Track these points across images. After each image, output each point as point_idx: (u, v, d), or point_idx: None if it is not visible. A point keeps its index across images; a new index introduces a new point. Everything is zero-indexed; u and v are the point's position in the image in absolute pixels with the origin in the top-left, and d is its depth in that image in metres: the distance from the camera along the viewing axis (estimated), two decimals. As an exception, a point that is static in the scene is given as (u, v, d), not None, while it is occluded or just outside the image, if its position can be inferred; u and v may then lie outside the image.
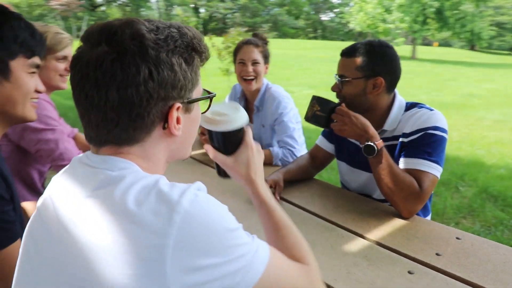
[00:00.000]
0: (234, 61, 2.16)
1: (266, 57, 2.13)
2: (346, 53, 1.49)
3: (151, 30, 0.67)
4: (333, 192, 1.61)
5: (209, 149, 0.92)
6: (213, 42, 8.26)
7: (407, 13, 26.00)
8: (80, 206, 0.66)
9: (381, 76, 1.44)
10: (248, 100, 2.26)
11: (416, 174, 1.36)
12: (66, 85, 1.78)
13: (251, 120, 2.28)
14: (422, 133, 1.40)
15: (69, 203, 0.68)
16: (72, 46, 1.78)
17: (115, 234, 0.61)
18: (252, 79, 2.12)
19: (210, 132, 0.90)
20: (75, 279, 0.63)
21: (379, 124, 1.52)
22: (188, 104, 0.74)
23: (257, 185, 0.89)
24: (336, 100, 1.51)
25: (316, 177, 1.81)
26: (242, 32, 8.23)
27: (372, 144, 1.36)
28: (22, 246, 0.75)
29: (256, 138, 2.28)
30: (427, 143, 1.38)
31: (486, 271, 1.07)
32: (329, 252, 1.17)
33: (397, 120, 1.49)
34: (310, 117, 1.48)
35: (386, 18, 27.31)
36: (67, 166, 0.77)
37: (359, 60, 1.46)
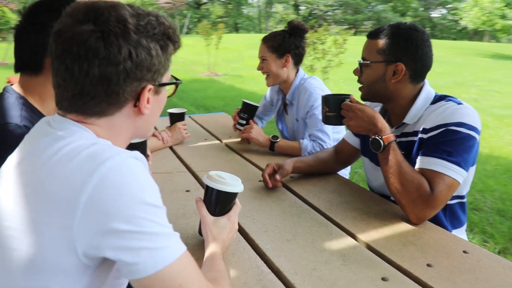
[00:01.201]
0: None
1: (278, 50, 2.04)
2: (371, 34, 1.37)
3: (133, 15, 0.72)
4: (348, 190, 1.50)
5: (199, 202, 1.03)
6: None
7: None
8: (21, 160, 0.72)
9: (403, 63, 1.30)
10: (285, 94, 2.21)
11: (430, 175, 1.20)
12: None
13: (287, 113, 2.23)
14: (443, 129, 1.23)
15: (17, 157, 0.74)
16: None
17: (37, 185, 0.65)
18: (266, 76, 2.08)
19: (207, 188, 1.03)
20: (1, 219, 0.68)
21: (400, 116, 1.37)
22: (159, 87, 0.79)
23: (217, 248, 0.96)
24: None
25: (352, 174, 1.70)
26: (328, 28, 8.03)
27: (378, 138, 1.23)
28: None
29: (290, 132, 2.22)
30: (448, 141, 1.21)
31: (478, 292, 0.91)
32: (306, 246, 1.09)
33: (420, 113, 1.33)
34: (324, 120, 1.40)
35: (507, 14, 24.28)
36: (36, 124, 0.83)
37: (381, 42, 1.33)
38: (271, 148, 1.93)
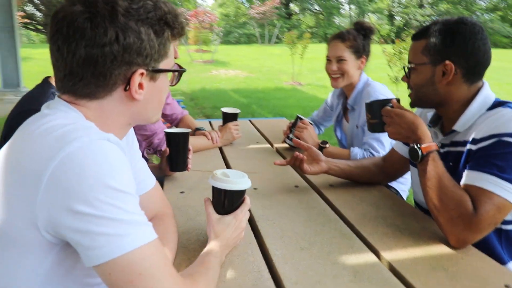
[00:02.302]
0: None
1: (358, 51, 1.93)
2: (414, 35, 1.25)
3: None
4: (390, 204, 1.36)
5: (207, 201, 1.02)
6: (384, 48, 7.84)
7: None
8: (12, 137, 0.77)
9: (451, 61, 1.15)
10: (347, 98, 2.10)
11: (475, 192, 1.04)
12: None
13: (347, 119, 2.12)
14: (495, 139, 1.05)
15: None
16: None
17: (13, 158, 0.69)
18: (338, 77, 1.96)
19: (213, 188, 1.01)
20: None
21: (453, 122, 1.22)
22: (154, 73, 0.78)
23: (216, 246, 0.93)
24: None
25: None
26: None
27: (416, 147, 1.10)
28: None
29: (349, 141, 2.10)
30: (499, 154, 1.04)
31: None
32: (319, 257, 1.01)
33: (473, 119, 1.16)
34: (369, 128, 1.30)
35: None
36: None
37: (425, 42, 1.20)
38: (319, 153, 1.84)
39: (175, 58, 1.18)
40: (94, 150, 0.65)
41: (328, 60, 1.98)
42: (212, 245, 0.94)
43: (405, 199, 2.03)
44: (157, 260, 0.67)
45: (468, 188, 1.05)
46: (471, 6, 36.73)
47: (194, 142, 2.00)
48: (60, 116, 0.72)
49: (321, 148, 1.84)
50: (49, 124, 0.69)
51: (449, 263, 0.99)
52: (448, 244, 1.07)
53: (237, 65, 14.99)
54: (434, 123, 1.32)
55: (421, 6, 34.55)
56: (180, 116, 2.32)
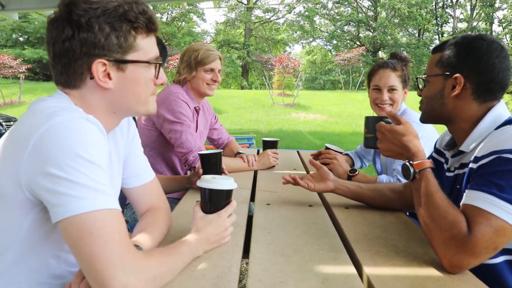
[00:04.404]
0: (368, 86, 2.03)
1: (405, 81, 1.91)
2: (434, 48, 1.23)
3: (88, 1, 0.86)
4: (400, 228, 1.29)
5: (196, 203, 1.09)
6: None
7: None
8: None
9: (462, 74, 1.11)
10: None
11: (471, 212, 0.96)
12: (213, 92, 2.19)
13: None
14: (494, 156, 0.98)
15: None
16: (220, 61, 2.17)
17: (14, 130, 0.85)
18: (387, 107, 1.94)
19: (200, 189, 1.07)
20: None
21: (461, 143, 1.15)
22: (119, 63, 0.90)
23: (192, 238, 0.99)
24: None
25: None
26: None
27: (407, 163, 1.07)
28: None
29: (385, 169, 2.03)
30: (499, 172, 0.96)
31: None
32: (296, 263, 1.00)
33: (480, 139, 1.09)
34: (364, 143, 1.30)
35: None
36: None
37: (441, 54, 1.18)
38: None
39: (166, 62, 1.32)
40: (71, 124, 0.78)
41: (377, 89, 1.95)
42: (188, 236, 1.00)
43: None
44: (110, 226, 0.76)
45: (465, 208, 0.98)
46: None
47: (230, 163, 2.11)
48: (54, 101, 0.88)
49: (350, 177, 1.82)
50: (45, 105, 0.85)
51: (433, 285, 0.92)
52: (442, 268, 0.99)
53: (318, 109, 15.12)
54: (449, 146, 1.26)
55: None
56: (226, 141, 2.47)
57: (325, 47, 32.89)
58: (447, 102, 1.15)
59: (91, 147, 0.78)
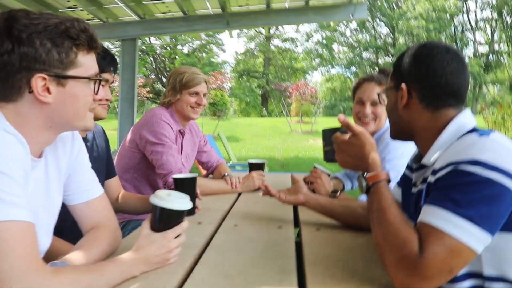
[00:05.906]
0: (353, 99, 1.97)
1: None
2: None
3: (27, 17, 0.87)
4: (369, 253, 1.20)
5: (146, 219, 1.04)
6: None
7: None
8: None
9: (406, 83, 1.05)
10: None
11: (424, 230, 0.87)
12: (198, 115, 2.18)
13: None
14: (451, 168, 0.89)
15: None
16: (206, 85, 2.17)
17: None
18: (369, 121, 1.87)
19: (152, 205, 1.01)
20: None
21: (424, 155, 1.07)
22: (59, 78, 0.89)
23: (127, 257, 0.94)
24: None
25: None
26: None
27: (362, 177, 1.00)
28: None
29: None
30: (456, 185, 0.87)
31: None
32: (237, 284, 0.93)
33: (441, 151, 1.00)
34: (324, 157, 1.24)
35: None
36: None
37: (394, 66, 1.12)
38: (329, 202, 1.74)
39: (107, 77, 1.37)
40: None
41: (360, 102, 1.89)
42: (124, 255, 0.95)
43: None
44: (12, 238, 0.73)
45: (419, 226, 0.89)
46: None
47: (213, 185, 2.07)
48: None
49: (332, 197, 1.74)
50: None
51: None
52: (396, 291, 0.90)
53: (336, 135, 14.96)
54: (415, 160, 1.17)
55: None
56: (216, 164, 2.43)
57: (344, 73, 33.06)
58: (402, 114, 1.08)
59: (2, 157, 0.76)
